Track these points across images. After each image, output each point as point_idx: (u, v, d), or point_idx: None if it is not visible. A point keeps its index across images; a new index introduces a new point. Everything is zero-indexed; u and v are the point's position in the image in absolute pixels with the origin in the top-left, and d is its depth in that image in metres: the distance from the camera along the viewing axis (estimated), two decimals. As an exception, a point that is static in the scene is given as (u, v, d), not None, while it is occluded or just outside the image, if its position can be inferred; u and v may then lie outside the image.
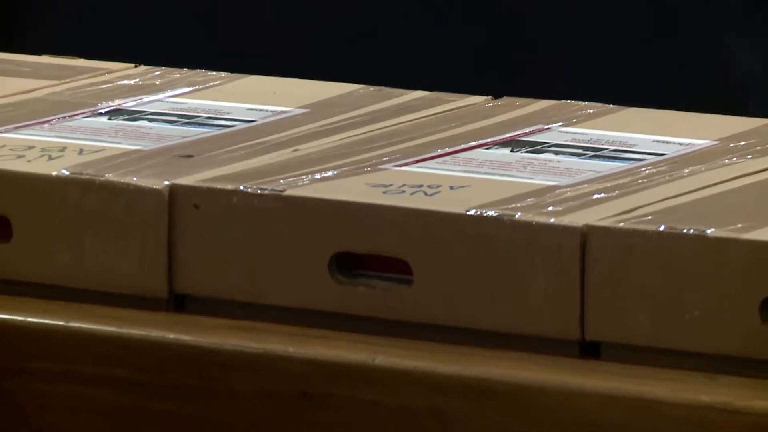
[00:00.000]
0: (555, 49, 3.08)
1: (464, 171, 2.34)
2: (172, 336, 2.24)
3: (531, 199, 2.23)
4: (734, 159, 2.37)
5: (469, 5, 3.21)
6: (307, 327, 2.24)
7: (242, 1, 3.31)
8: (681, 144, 2.42)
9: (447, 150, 2.40)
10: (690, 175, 2.32)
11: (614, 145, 2.42)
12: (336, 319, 2.24)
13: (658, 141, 2.43)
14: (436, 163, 2.36)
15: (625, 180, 2.31)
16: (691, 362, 2.10)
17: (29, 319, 2.28)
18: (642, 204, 2.23)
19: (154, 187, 2.28)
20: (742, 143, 2.42)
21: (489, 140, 2.44)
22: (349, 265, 2.24)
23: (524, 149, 2.41)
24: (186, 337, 2.24)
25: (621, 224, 2.18)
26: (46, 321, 2.27)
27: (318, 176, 2.31)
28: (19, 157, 2.35)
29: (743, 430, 2.02)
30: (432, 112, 2.54)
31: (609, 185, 2.29)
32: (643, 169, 2.34)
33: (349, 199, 2.26)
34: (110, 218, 2.30)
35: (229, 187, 2.28)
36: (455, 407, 2.13)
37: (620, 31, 3.20)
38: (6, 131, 2.43)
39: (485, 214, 2.21)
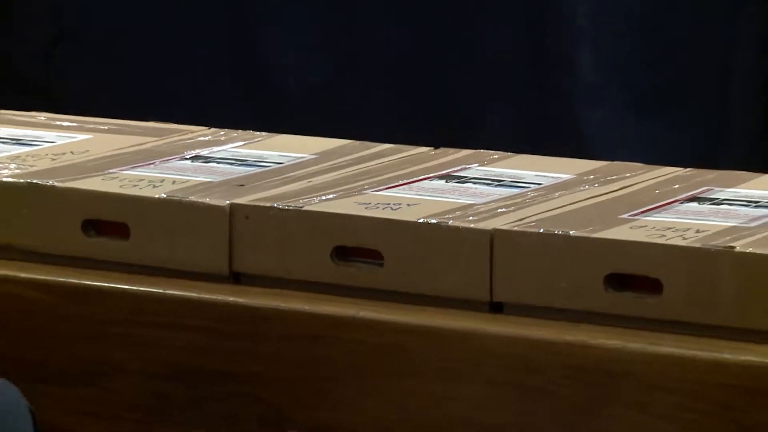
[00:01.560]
0: (472, 115, 3.04)
1: (416, 194, 2.34)
2: (231, 299, 2.24)
3: (458, 212, 2.24)
4: (586, 187, 2.37)
5: (420, 90, 3.16)
6: (317, 293, 2.23)
7: (270, 91, 3.25)
8: (552, 177, 2.41)
9: (405, 181, 2.39)
10: (558, 197, 2.32)
11: (510, 178, 2.41)
12: (335, 288, 2.23)
13: (538, 175, 2.42)
14: (398, 189, 2.35)
15: (518, 200, 2.31)
16: (561, 315, 2.11)
17: (141, 288, 2.27)
18: (528, 215, 2.23)
19: (220, 204, 2.28)
20: (591, 177, 2.41)
21: (431, 175, 2.43)
22: (344, 253, 2.23)
23: (454, 181, 2.41)
24: (240, 300, 2.23)
25: (515, 228, 2.18)
26: (152, 289, 2.25)
27: (323, 198, 2.31)
28: (134, 185, 2.35)
29: (575, 358, 2.03)
30: (395, 157, 2.53)
31: (507, 203, 2.29)
32: (528, 193, 2.34)
33: (344, 212, 2.26)
34: (193, 224, 2.30)
35: (267, 204, 2.28)
36: (411, 343, 2.12)
37: (510, 103, 3.15)
38: (126, 169, 2.42)
39: (430, 222, 2.21)
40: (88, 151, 2.55)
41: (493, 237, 2.18)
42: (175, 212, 2.33)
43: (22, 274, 2.34)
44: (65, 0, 3.33)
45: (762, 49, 2.93)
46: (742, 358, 2.01)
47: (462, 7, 3.17)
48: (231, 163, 2.51)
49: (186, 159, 2.52)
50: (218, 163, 2.51)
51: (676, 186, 2.37)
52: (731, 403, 1.99)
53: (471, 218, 2.23)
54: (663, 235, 2.14)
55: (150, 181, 2.39)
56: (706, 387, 2.00)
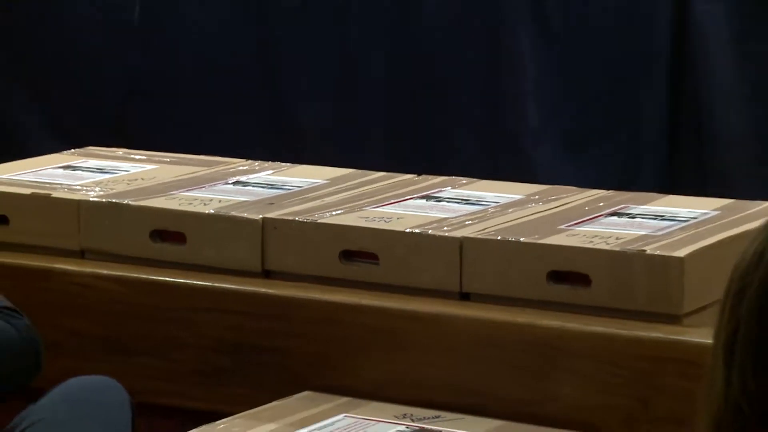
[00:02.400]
0: (447, 150, 3.04)
1: (404, 210, 2.32)
2: (263, 290, 2.24)
3: (436, 224, 2.22)
4: (533, 204, 2.36)
5: (407, 132, 3.15)
6: (328, 286, 2.22)
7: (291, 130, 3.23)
8: (506, 197, 2.39)
9: (395, 200, 2.38)
10: (511, 212, 2.31)
11: (476, 198, 2.40)
12: (341, 282, 2.22)
13: (496, 196, 2.41)
14: (390, 206, 2.34)
15: (481, 215, 2.30)
16: (515, 302, 2.09)
17: (195, 282, 2.27)
18: (489, 226, 2.21)
19: (254, 218, 2.27)
20: (536, 197, 2.40)
21: (415, 195, 2.41)
22: (348, 255, 2.22)
23: (432, 200, 2.39)
24: (270, 291, 2.23)
25: (479, 236, 2.17)
26: (203, 283, 2.24)
27: (333, 213, 2.29)
28: (189, 204, 2.33)
29: (526, 335, 2.04)
30: (387, 182, 2.51)
31: (473, 217, 2.28)
32: (489, 209, 2.33)
33: (348, 224, 2.25)
34: (234, 233, 2.28)
35: (290, 218, 2.27)
36: (399, 324, 2.12)
37: (476, 141, 3.14)
38: (184, 191, 2.40)
39: (414, 231, 2.20)
40: (154, 177, 2.54)
41: (462, 243, 2.17)
42: (220, 224, 2.31)
43: (104, 271, 2.33)
44: (137, 65, 3.33)
45: (666, 100, 2.93)
46: (653, 335, 2.00)
47: (442, 73, 3.16)
48: (263, 187, 2.49)
49: (229, 183, 2.50)
50: (253, 186, 2.50)
51: (601, 204, 2.36)
52: (644, 369, 1.98)
53: (445, 228, 2.22)
54: (591, 241, 2.13)
55: (201, 201, 2.38)
56: (625, 357, 2.00)
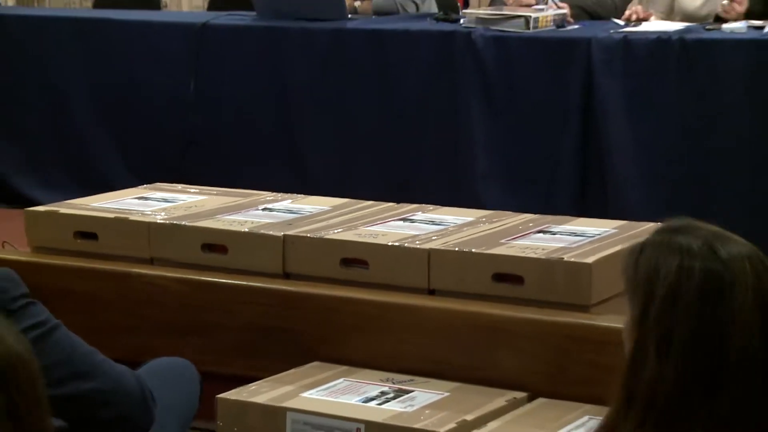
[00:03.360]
0: (419, 187, 3.02)
1: (387, 229, 2.30)
2: (284, 288, 2.22)
3: (410, 239, 2.21)
4: (481, 225, 2.34)
5: (391, 175, 3.15)
6: (332, 284, 2.20)
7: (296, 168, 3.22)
8: (462, 219, 2.37)
9: (380, 222, 2.36)
10: (466, 230, 2.29)
11: (439, 220, 2.38)
12: (342, 282, 2.20)
13: (455, 218, 2.39)
14: (377, 226, 2.32)
15: (443, 232, 2.28)
16: (469, 296, 2.09)
17: (234, 282, 2.25)
18: (450, 240, 2.20)
19: (278, 234, 2.25)
20: (484, 219, 2.39)
21: (395, 218, 2.39)
22: (346, 262, 2.20)
23: (408, 222, 2.36)
24: (290, 288, 2.22)
25: (442, 248, 2.15)
26: (240, 282, 2.23)
27: (335, 231, 2.27)
28: (230, 224, 2.32)
29: (477, 321, 2.05)
30: (375, 209, 2.48)
31: (438, 234, 2.26)
32: (449, 228, 2.31)
33: (346, 239, 2.24)
34: (263, 245, 2.27)
35: (304, 235, 2.25)
36: (383, 312, 2.12)
37: (440, 182, 3.12)
38: (226, 215, 2.39)
39: (395, 244, 2.18)
40: (204, 205, 2.52)
41: (430, 253, 2.16)
42: (253, 239, 2.30)
43: (168, 274, 2.30)
44: (192, 123, 3.33)
45: (578, 149, 2.93)
46: (569, 320, 2.00)
47: (417, 132, 3.15)
48: (284, 212, 2.47)
49: (259, 209, 2.48)
50: (277, 212, 2.47)
51: (531, 224, 2.35)
52: (562, 345, 1.99)
53: (417, 242, 2.20)
54: (524, 251, 2.12)
55: (239, 222, 2.36)
56: (549, 336, 1.99)
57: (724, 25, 2.99)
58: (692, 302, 1.06)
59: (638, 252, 1.13)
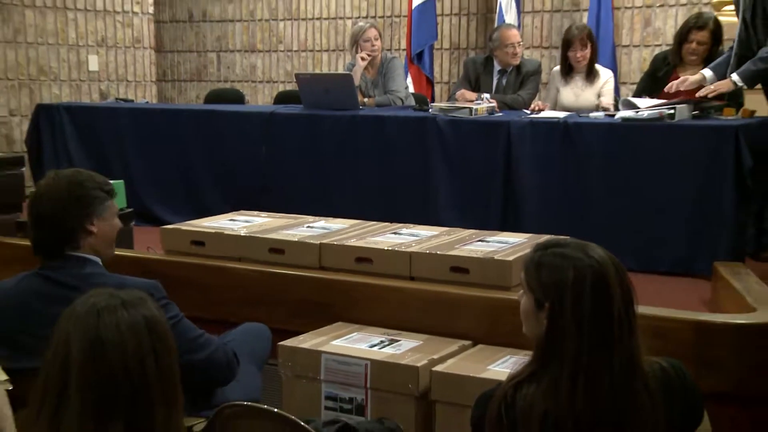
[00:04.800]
0: (400, 217, 2.97)
1: (383, 239, 2.28)
2: (320, 276, 2.17)
3: (398, 245, 2.18)
4: (443, 236, 2.32)
5: (386, 208, 3.11)
6: (350, 274, 2.16)
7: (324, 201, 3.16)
8: (431, 233, 2.35)
9: (379, 234, 2.34)
10: (434, 240, 2.27)
11: (417, 233, 2.35)
12: (356, 273, 2.16)
13: (428, 233, 2.36)
14: (378, 237, 2.30)
15: (420, 241, 2.25)
16: (436, 282, 2.06)
17: (290, 272, 2.20)
18: (424, 246, 2.18)
19: (315, 243, 2.23)
20: (445, 233, 2.37)
21: (389, 232, 2.38)
22: (359, 260, 2.18)
23: (396, 234, 2.36)
24: (324, 276, 2.17)
25: (419, 251, 2.13)
26: (294, 273, 2.19)
27: (352, 240, 2.26)
28: (287, 236, 2.29)
29: (442, 297, 2.00)
30: (377, 226, 2.46)
31: (416, 242, 2.23)
32: (423, 239, 2.28)
33: (359, 245, 2.21)
34: (307, 250, 2.24)
35: (332, 242, 2.23)
36: (382, 293, 2.07)
37: (418, 212, 3.09)
38: (283, 230, 2.37)
39: (388, 249, 2.16)
40: (270, 224, 2.50)
41: (411, 254, 2.14)
42: (301, 245, 2.27)
43: (249, 267, 2.28)
44: (264, 173, 3.30)
45: (501, 190, 2.91)
46: (497, 296, 1.97)
47: (403, 179, 3.12)
48: (320, 229, 2.44)
49: (304, 227, 2.46)
50: (316, 229, 2.44)
51: (474, 236, 2.33)
52: (492, 311, 1.96)
53: (403, 247, 2.18)
54: (470, 253, 2.10)
55: (293, 234, 2.34)
56: (484, 307, 1.97)
57: (591, 114, 2.99)
58: (588, 293, 1.04)
59: (534, 264, 1.10)
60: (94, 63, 4.56)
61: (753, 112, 2.71)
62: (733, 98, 2.78)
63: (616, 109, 2.98)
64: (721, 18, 3.08)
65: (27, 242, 1.59)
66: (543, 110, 3.15)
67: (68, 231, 1.49)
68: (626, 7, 4.31)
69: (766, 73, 2.49)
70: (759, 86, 2.62)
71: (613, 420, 0.99)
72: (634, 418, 0.99)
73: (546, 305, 1.06)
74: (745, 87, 2.56)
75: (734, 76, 2.51)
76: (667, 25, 4.22)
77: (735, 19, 2.63)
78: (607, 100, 3.24)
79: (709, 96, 2.60)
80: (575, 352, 1.02)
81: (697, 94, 2.65)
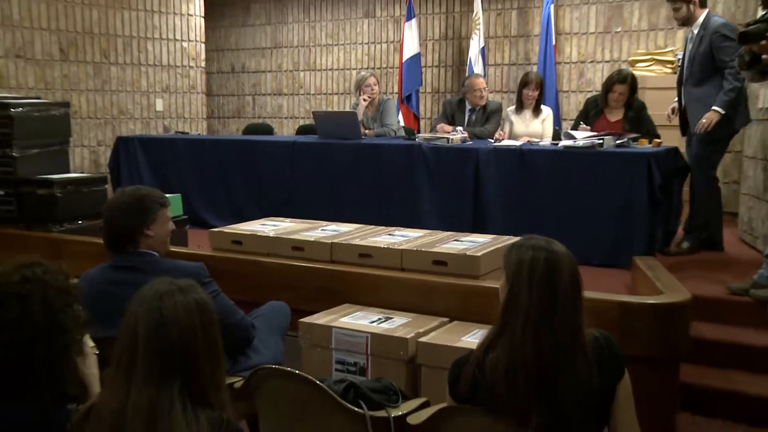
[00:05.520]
0: (395, 221, 2.93)
1: (380, 239, 2.26)
2: (332, 268, 2.13)
3: (392, 243, 2.16)
4: (428, 237, 2.30)
5: (381, 216, 3.08)
6: (356, 266, 2.13)
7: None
8: (418, 235, 2.33)
9: (377, 235, 2.32)
10: (421, 240, 2.26)
11: (407, 234, 2.32)
12: (360, 265, 2.13)
13: (416, 234, 2.33)
14: (376, 237, 2.27)
15: (409, 240, 2.23)
16: (422, 272, 2.04)
17: (305, 265, 2.16)
18: (413, 244, 2.16)
19: (327, 242, 2.21)
20: (430, 235, 2.35)
21: (385, 234, 2.35)
22: (362, 255, 2.15)
23: (391, 236, 2.34)
24: (335, 267, 2.13)
25: (409, 248, 2.10)
26: (310, 265, 2.15)
27: (356, 240, 2.24)
28: (306, 237, 2.26)
29: (425, 285, 1.98)
30: (377, 230, 2.43)
31: (407, 241, 2.21)
32: (412, 239, 2.26)
33: (362, 243, 2.19)
34: (321, 248, 2.20)
35: (340, 242, 2.21)
36: (379, 281, 2.04)
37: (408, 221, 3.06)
38: (303, 231, 2.34)
39: (386, 247, 2.13)
40: (293, 228, 2.48)
41: (402, 252, 2.12)
42: (317, 244, 2.23)
43: (276, 261, 2.25)
44: (287, 189, 3.27)
45: (472, 208, 2.89)
46: (468, 283, 1.96)
47: (395, 195, 3.08)
48: (331, 231, 2.40)
49: (319, 230, 2.43)
50: (329, 231, 2.41)
51: (450, 237, 2.32)
52: (465, 297, 1.94)
53: (396, 245, 2.16)
54: (448, 249, 2.08)
55: (310, 236, 2.31)
56: (459, 293, 1.95)
57: (541, 142, 3.04)
58: (540, 270, 1.07)
59: (509, 250, 1.14)
60: (159, 105, 4.90)
61: (660, 142, 2.85)
62: (652, 134, 2.94)
63: (557, 138, 3.06)
64: (636, 72, 3.33)
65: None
66: (503, 140, 3.19)
67: (130, 234, 1.61)
68: (565, 62, 4.56)
69: (736, 99, 2.57)
70: (675, 122, 2.76)
71: (554, 374, 1.02)
72: (571, 373, 1.02)
73: (510, 276, 1.10)
74: (723, 111, 2.58)
75: (715, 107, 2.58)
76: (596, 76, 4.48)
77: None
78: (548, 129, 3.37)
79: (703, 131, 2.58)
80: (526, 307, 1.05)
81: (697, 129, 2.62)
